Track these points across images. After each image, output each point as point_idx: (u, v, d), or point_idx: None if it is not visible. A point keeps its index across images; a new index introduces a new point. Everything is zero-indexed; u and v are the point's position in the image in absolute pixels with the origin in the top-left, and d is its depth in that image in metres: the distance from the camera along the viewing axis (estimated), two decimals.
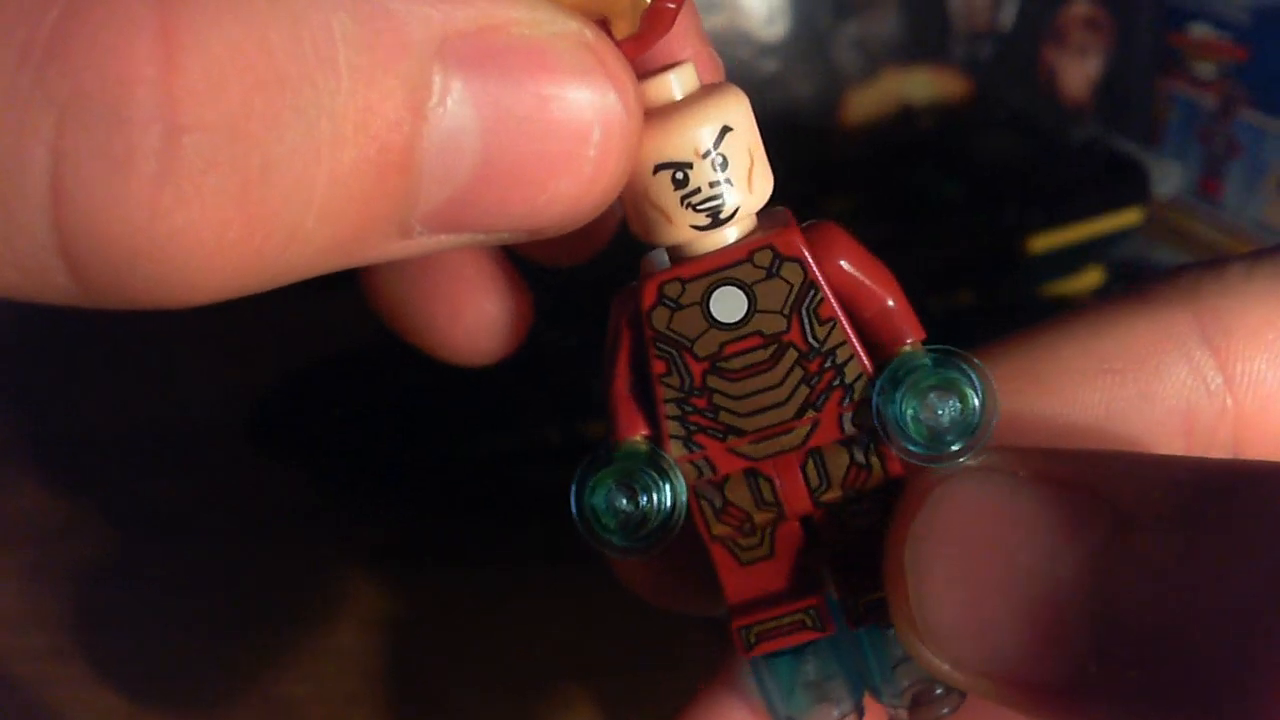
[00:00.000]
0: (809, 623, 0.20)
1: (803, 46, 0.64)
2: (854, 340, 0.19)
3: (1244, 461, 0.16)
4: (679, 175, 0.18)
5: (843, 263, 0.19)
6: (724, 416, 0.19)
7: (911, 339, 0.19)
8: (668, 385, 0.19)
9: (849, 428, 0.19)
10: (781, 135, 0.62)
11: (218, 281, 0.14)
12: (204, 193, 0.13)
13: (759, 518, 0.20)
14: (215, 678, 0.48)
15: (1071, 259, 0.57)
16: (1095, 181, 0.57)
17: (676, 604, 0.24)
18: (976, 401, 0.18)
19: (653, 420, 0.20)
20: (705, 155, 0.18)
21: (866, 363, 0.19)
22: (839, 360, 0.19)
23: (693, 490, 0.20)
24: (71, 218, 0.13)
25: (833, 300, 0.19)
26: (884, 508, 0.19)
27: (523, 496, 0.50)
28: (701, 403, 0.19)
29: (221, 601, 0.51)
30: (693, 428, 0.20)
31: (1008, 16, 0.66)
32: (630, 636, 0.44)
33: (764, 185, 0.19)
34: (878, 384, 0.19)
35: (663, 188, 0.18)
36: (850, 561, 0.20)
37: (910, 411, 0.18)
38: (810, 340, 0.19)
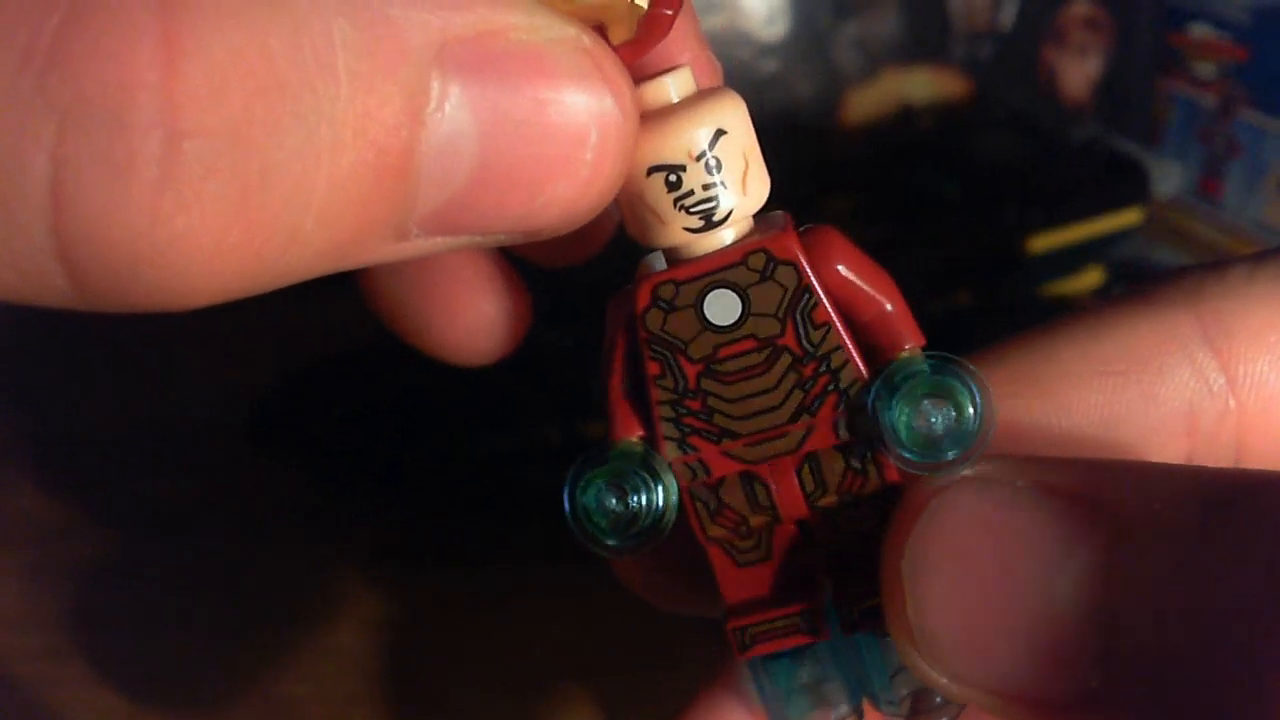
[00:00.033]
0: (804, 626, 0.20)
1: (803, 46, 0.65)
2: (849, 345, 0.19)
3: (1244, 471, 0.16)
4: (672, 178, 0.18)
5: (840, 267, 0.19)
6: (718, 419, 0.19)
7: (910, 344, 0.19)
8: (662, 387, 0.19)
9: (844, 433, 0.19)
10: (781, 135, 0.63)
11: (217, 285, 0.14)
12: (204, 198, 0.13)
13: (754, 521, 0.20)
14: (215, 678, 0.48)
15: (1071, 259, 0.57)
16: (1095, 181, 0.57)
17: (675, 605, 0.24)
18: (972, 410, 0.18)
19: (648, 422, 0.20)
20: (699, 158, 0.18)
21: (862, 368, 0.19)
22: (834, 365, 0.19)
23: (688, 492, 0.20)
24: (71, 222, 0.13)
25: (828, 304, 0.19)
26: (880, 514, 0.19)
27: (523, 496, 0.50)
28: (696, 405, 0.19)
29: (221, 601, 0.51)
30: (687, 430, 0.20)
31: (1008, 16, 0.66)
32: (630, 637, 0.44)
33: (760, 188, 0.19)
34: (873, 390, 0.19)
35: (657, 190, 0.18)
36: (846, 566, 0.20)
37: (904, 419, 0.18)
38: (805, 344, 0.19)
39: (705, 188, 0.18)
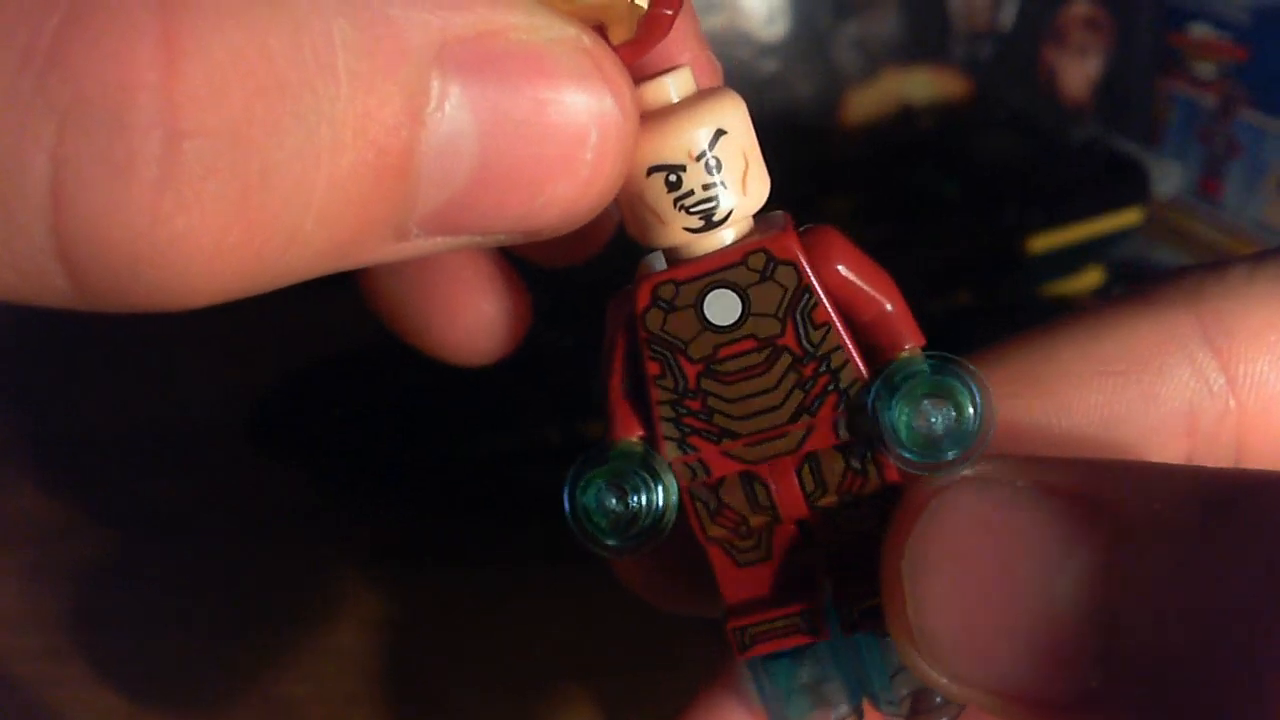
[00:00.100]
0: (803, 626, 0.20)
1: (803, 46, 0.65)
2: (849, 345, 0.19)
3: (1244, 471, 0.16)
4: (672, 177, 0.18)
5: (840, 267, 0.19)
6: (718, 419, 0.19)
7: (911, 344, 0.19)
8: (662, 387, 0.19)
9: (844, 433, 0.19)
10: (781, 135, 0.63)
11: (217, 285, 0.14)
12: (204, 198, 0.13)
13: (754, 521, 0.20)
14: (215, 678, 0.48)
15: (1071, 259, 0.57)
16: (1095, 181, 0.57)
17: (675, 605, 0.24)
18: (972, 410, 0.18)
19: (648, 421, 0.20)
20: (698, 158, 0.18)
21: (862, 368, 0.19)
22: (834, 365, 0.19)
23: (688, 492, 0.20)
24: (71, 222, 0.13)
25: (827, 304, 0.19)
26: (880, 514, 0.19)
27: (523, 496, 0.50)
28: (696, 405, 0.19)
29: (221, 601, 0.51)
30: (687, 430, 0.19)
31: (1008, 16, 0.66)
32: (630, 637, 0.44)
33: (760, 188, 0.19)
34: (873, 390, 0.19)
35: (656, 190, 0.18)
36: (846, 566, 0.20)
37: (904, 419, 0.18)
38: (805, 344, 0.19)
39: (705, 188, 0.18)
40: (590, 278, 0.25)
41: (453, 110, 0.15)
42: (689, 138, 0.18)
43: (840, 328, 0.19)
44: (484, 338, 0.24)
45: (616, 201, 0.18)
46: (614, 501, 0.19)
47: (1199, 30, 0.61)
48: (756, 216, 0.19)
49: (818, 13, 0.64)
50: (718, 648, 0.22)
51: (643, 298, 0.19)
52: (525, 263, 0.24)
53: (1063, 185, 0.57)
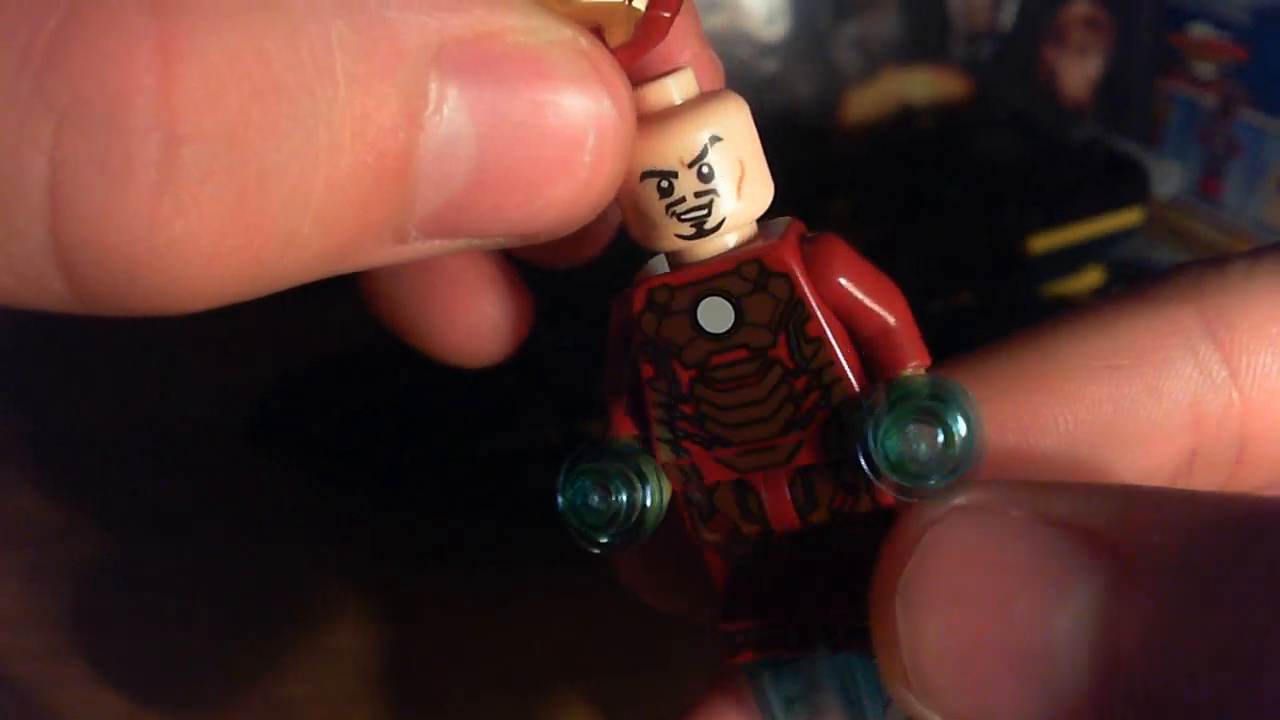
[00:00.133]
0: (792, 638, 0.20)
1: (803, 46, 0.65)
2: (842, 362, 0.18)
3: (1242, 500, 0.16)
4: (664, 184, 0.18)
5: (841, 279, 0.18)
6: (710, 426, 0.19)
7: (914, 364, 0.18)
8: (656, 390, 0.19)
9: (835, 451, 0.19)
10: (781, 135, 0.62)
11: (215, 288, 0.14)
12: (202, 202, 0.13)
13: (746, 529, 0.20)
14: (215, 678, 0.48)
15: (1071, 259, 0.57)
16: (1095, 181, 0.57)
17: (676, 607, 0.24)
18: (960, 439, 0.17)
19: (644, 422, 0.20)
20: (691, 165, 0.18)
21: (854, 385, 0.18)
22: (825, 380, 0.18)
23: (682, 495, 0.20)
24: (69, 226, 0.13)
25: (821, 318, 0.18)
26: (873, 535, 0.18)
27: (523, 496, 0.50)
28: (689, 410, 0.19)
29: (221, 601, 0.51)
30: (680, 434, 0.19)
31: (1008, 16, 0.66)
32: (629, 637, 0.44)
33: (759, 194, 0.18)
34: (863, 410, 0.18)
35: (649, 195, 0.18)
36: (836, 584, 0.19)
37: (891, 443, 0.17)
38: (796, 358, 0.18)
39: (697, 195, 0.18)
40: (591, 279, 0.25)
41: (451, 113, 0.15)
42: (681, 144, 0.18)
43: (833, 343, 0.18)
44: (485, 339, 0.24)
45: (618, 202, 0.18)
46: (596, 499, 0.19)
47: (1199, 30, 0.61)
48: (762, 221, 0.19)
49: (818, 13, 0.64)
50: (717, 651, 0.21)
51: (638, 301, 0.19)
52: (526, 263, 0.24)
53: (1063, 185, 0.57)
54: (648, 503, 0.19)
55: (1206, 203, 0.62)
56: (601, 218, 0.18)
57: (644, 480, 0.19)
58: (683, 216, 0.18)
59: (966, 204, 0.57)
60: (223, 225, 0.13)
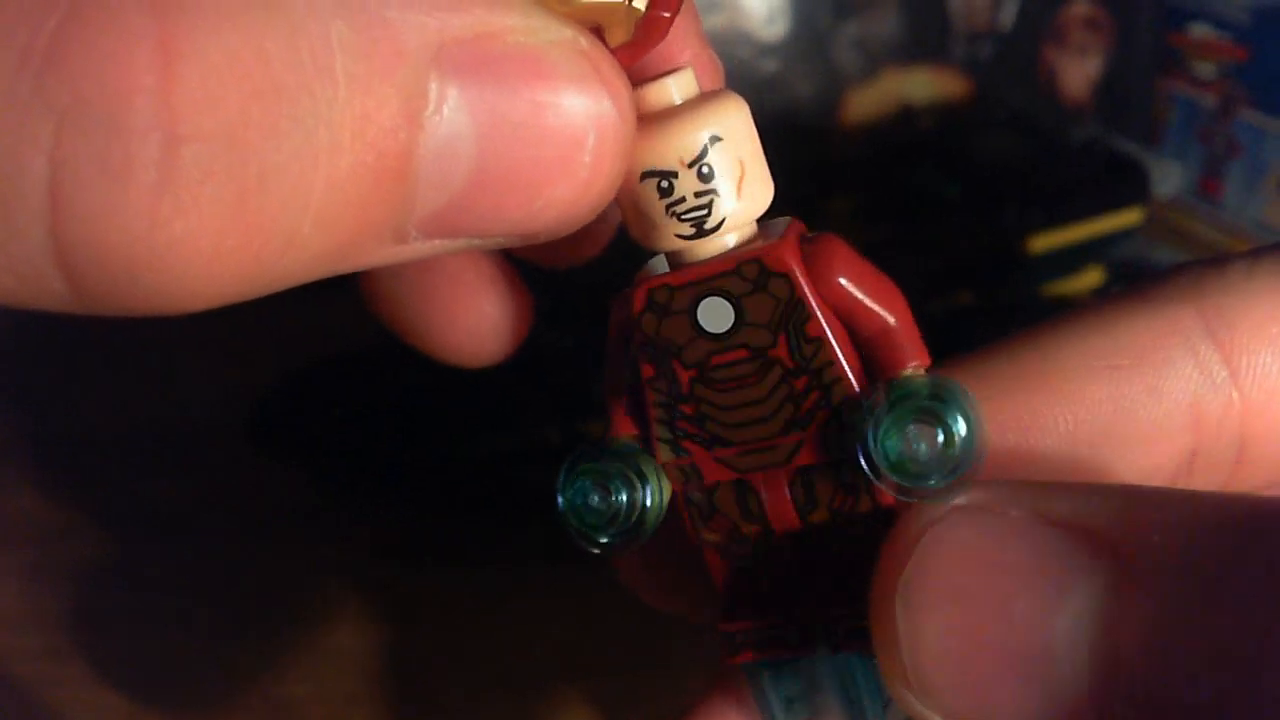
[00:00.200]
0: (792, 638, 0.20)
1: (803, 46, 0.65)
2: (841, 362, 0.18)
3: (1242, 499, 0.16)
4: (664, 184, 0.18)
5: (841, 279, 0.18)
6: (710, 426, 0.19)
7: (914, 364, 0.18)
8: (656, 390, 0.19)
9: (835, 451, 0.19)
10: (781, 135, 0.62)
11: (215, 288, 0.14)
12: (202, 202, 0.13)
13: (746, 529, 0.20)
14: (215, 678, 0.48)
15: (1071, 259, 0.57)
16: (1095, 181, 0.58)
17: (676, 607, 0.24)
18: (960, 439, 0.17)
19: (645, 422, 0.20)
20: (691, 165, 0.18)
21: (854, 385, 0.18)
22: (825, 380, 0.18)
23: (683, 495, 0.20)
24: (69, 226, 0.13)
25: (821, 319, 0.18)
26: (873, 534, 0.18)
27: (523, 496, 0.50)
28: (689, 409, 0.19)
29: (221, 601, 0.51)
30: (680, 433, 0.19)
31: (1008, 16, 0.66)
32: (629, 637, 0.44)
33: (759, 193, 0.18)
34: (863, 410, 0.18)
35: (649, 195, 0.18)
36: (837, 584, 0.19)
37: (891, 443, 0.17)
38: (796, 358, 0.18)
39: (697, 195, 0.18)
40: (591, 278, 0.25)
41: (451, 113, 0.15)
42: (681, 144, 0.17)
43: (833, 343, 0.18)
44: (485, 339, 0.24)
45: (618, 202, 0.18)
46: (596, 499, 0.19)
47: (1199, 30, 0.61)
48: (763, 221, 0.19)
49: (818, 13, 0.64)
50: (717, 651, 0.21)
51: (638, 301, 0.19)
52: (526, 263, 0.24)
53: (1063, 185, 0.57)
54: (648, 503, 0.19)
55: (1206, 203, 0.62)
56: (601, 217, 0.18)
57: (644, 480, 0.19)
58: (683, 216, 0.18)
59: (966, 204, 0.57)
60: (223, 225, 0.13)
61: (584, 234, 0.18)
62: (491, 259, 0.24)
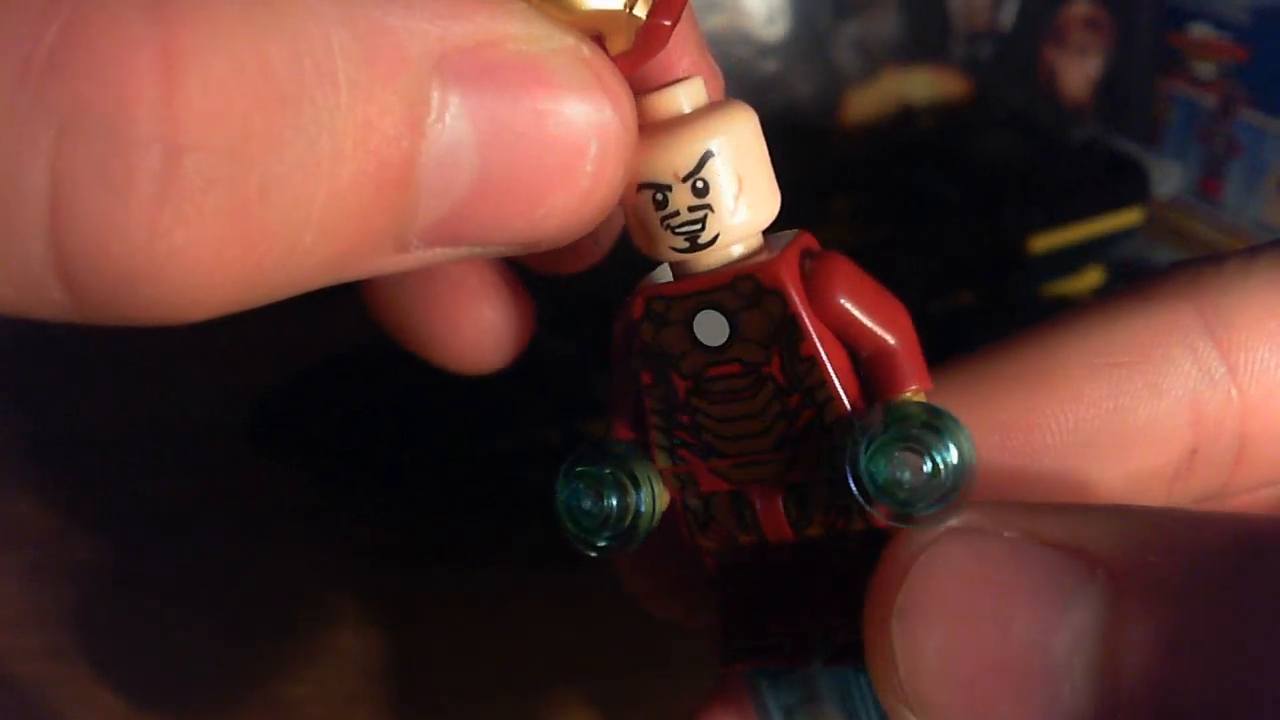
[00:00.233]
0: (787, 649, 0.20)
1: (803, 46, 0.64)
2: (834, 383, 0.18)
3: (1243, 520, 0.16)
4: (659, 196, 0.18)
5: (841, 299, 0.18)
6: (706, 436, 0.19)
7: (913, 387, 0.18)
8: (654, 397, 0.19)
9: (826, 470, 0.18)
10: (781, 135, 0.62)
11: (216, 298, 0.14)
12: (203, 212, 0.13)
13: (742, 539, 0.20)
14: (215, 678, 0.48)
15: (1071, 259, 0.57)
16: (1095, 181, 0.57)
17: (674, 613, 0.24)
18: (949, 468, 0.17)
19: (644, 427, 0.20)
20: (686, 179, 0.17)
21: (847, 406, 0.18)
22: (818, 399, 0.18)
23: (681, 502, 0.20)
24: (70, 236, 0.13)
25: (815, 338, 0.18)
26: (868, 549, 0.18)
27: (523, 497, 0.50)
28: (685, 419, 0.19)
29: (221, 601, 0.51)
30: (677, 441, 0.19)
31: (1008, 16, 0.66)
32: (630, 638, 0.44)
33: (760, 208, 0.18)
34: (854, 432, 0.18)
35: (646, 207, 0.18)
36: (833, 597, 0.19)
37: (879, 469, 0.17)
38: (789, 375, 0.18)
39: (691, 209, 0.17)
40: (592, 286, 0.25)
41: (453, 120, 0.15)
42: (676, 157, 0.17)
43: (827, 363, 0.18)
44: (487, 345, 0.24)
45: (622, 209, 0.18)
46: (589, 502, 0.19)
47: (1199, 30, 0.61)
48: (771, 232, 0.19)
49: (818, 13, 0.64)
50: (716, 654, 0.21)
51: (637, 309, 0.19)
52: (527, 270, 0.24)
53: (1063, 185, 0.57)
54: (641, 508, 0.19)
55: (1206, 203, 0.62)
56: (604, 224, 0.17)
57: (637, 485, 0.19)
58: (677, 230, 0.18)
59: (966, 204, 0.57)
60: (224, 235, 0.13)
61: (586, 241, 0.18)
62: (493, 266, 0.24)
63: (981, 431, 0.20)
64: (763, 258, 0.18)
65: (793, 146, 0.64)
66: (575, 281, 0.24)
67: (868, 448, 0.17)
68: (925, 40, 0.66)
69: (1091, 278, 0.58)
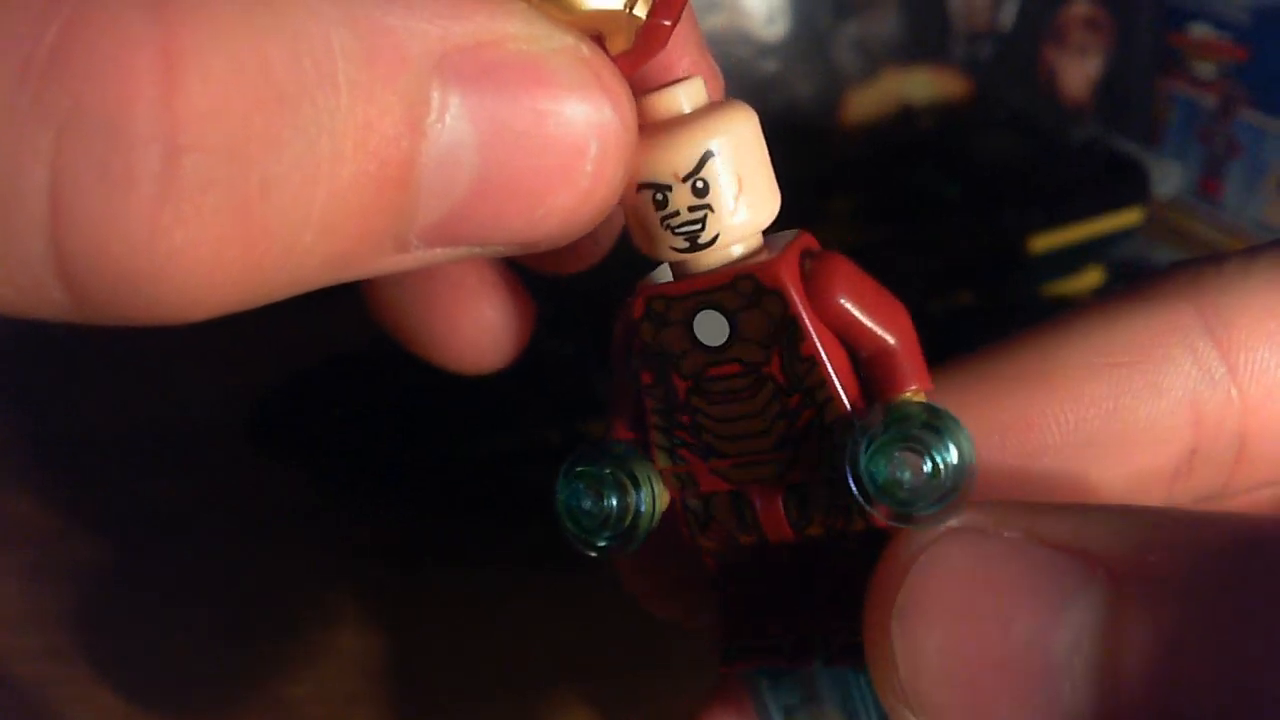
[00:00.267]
0: (787, 650, 0.20)
1: (803, 46, 0.64)
2: (834, 383, 0.18)
3: (1243, 520, 0.16)
4: (659, 196, 0.17)
5: (841, 299, 0.18)
6: (705, 436, 0.19)
7: (913, 387, 0.18)
8: (654, 397, 0.19)
9: (826, 470, 0.18)
10: (781, 135, 0.62)
11: (216, 298, 0.14)
12: (203, 212, 0.13)
13: (742, 539, 0.20)
14: (215, 677, 0.48)
15: (1071, 259, 0.57)
16: (1095, 181, 0.57)
17: (674, 613, 0.24)
18: (949, 468, 0.17)
19: (644, 427, 0.20)
20: (685, 179, 0.17)
21: (847, 406, 0.18)
22: (818, 400, 0.18)
23: (680, 502, 0.20)
24: (70, 236, 0.13)
25: (815, 338, 0.18)
26: (868, 550, 0.18)
27: (523, 497, 0.50)
28: (685, 419, 0.19)
29: (221, 601, 0.51)
30: (677, 441, 0.19)
31: (1008, 16, 0.66)
32: (629, 638, 0.44)
33: (760, 208, 0.18)
34: (854, 432, 0.18)
35: (646, 207, 0.18)
36: (833, 597, 0.19)
37: (878, 469, 0.17)
38: (789, 375, 0.18)
39: (691, 210, 0.17)
40: (593, 285, 0.25)
41: (453, 120, 0.15)
42: (676, 157, 0.17)
43: (827, 364, 0.18)
44: (487, 345, 0.24)
45: (622, 209, 0.18)
46: (589, 502, 0.19)
47: (1199, 30, 0.61)
48: (772, 232, 0.19)
49: (818, 13, 0.64)
50: (716, 655, 0.21)
51: (637, 309, 0.19)
52: (527, 270, 0.24)
53: (1063, 185, 0.57)
54: (641, 508, 0.19)
55: (1206, 203, 0.62)
56: (604, 224, 0.17)
57: (637, 485, 0.19)
58: (676, 230, 0.18)
59: (966, 204, 0.57)
60: (224, 235, 0.13)
61: (586, 241, 0.18)
62: (493, 265, 0.24)
63: (981, 431, 0.20)
64: (763, 258, 0.18)
65: (793, 146, 0.64)
66: (575, 281, 0.24)
67: (868, 448, 0.17)
68: (925, 40, 0.66)
69: (1091, 278, 0.58)
